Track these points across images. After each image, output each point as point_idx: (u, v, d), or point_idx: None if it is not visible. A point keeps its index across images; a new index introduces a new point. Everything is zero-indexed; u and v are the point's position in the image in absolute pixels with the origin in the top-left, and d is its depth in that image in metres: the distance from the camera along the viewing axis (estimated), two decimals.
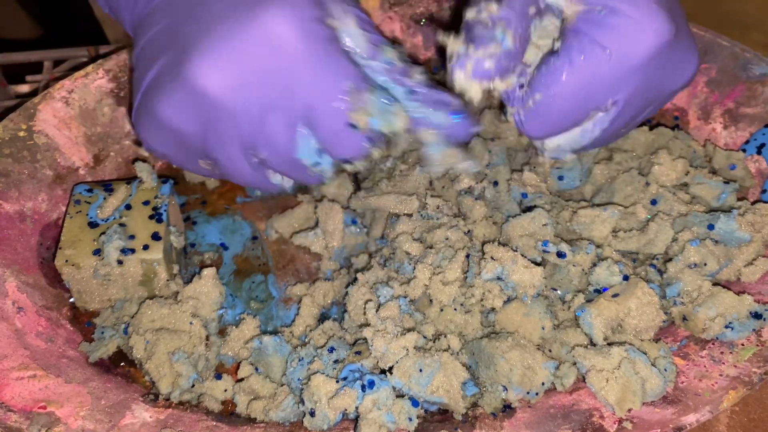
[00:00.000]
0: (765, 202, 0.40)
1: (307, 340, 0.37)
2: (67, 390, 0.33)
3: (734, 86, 0.46)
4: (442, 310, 0.36)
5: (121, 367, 0.37)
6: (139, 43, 0.35)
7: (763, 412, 0.36)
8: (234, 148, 0.33)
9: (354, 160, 0.34)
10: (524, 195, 0.41)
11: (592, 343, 0.34)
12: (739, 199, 0.42)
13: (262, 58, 0.30)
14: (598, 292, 0.36)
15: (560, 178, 0.43)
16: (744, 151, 0.44)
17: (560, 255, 0.36)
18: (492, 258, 0.35)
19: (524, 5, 0.34)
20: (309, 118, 0.32)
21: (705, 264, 0.36)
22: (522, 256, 0.35)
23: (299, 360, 0.36)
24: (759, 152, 0.44)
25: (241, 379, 0.36)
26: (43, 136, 0.43)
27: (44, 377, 0.33)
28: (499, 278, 0.35)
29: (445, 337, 0.35)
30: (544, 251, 0.36)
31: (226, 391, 0.36)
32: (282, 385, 0.35)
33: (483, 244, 0.37)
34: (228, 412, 0.35)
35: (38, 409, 0.31)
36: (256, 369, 0.36)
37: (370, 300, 0.36)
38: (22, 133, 0.42)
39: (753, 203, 0.39)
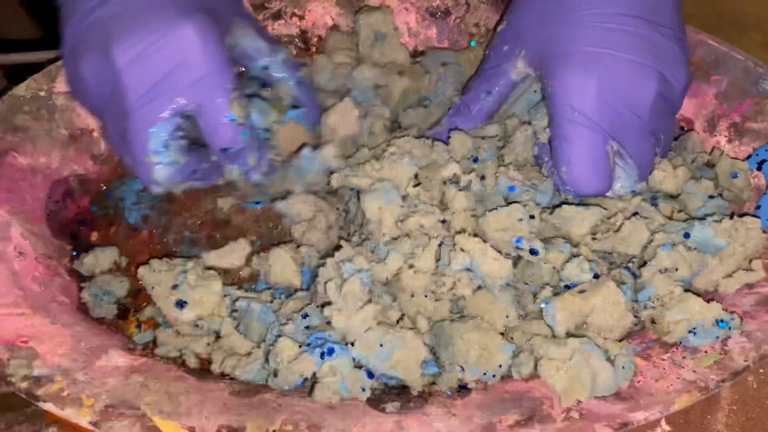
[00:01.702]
0: (756, 217, 0.40)
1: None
2: (50, 330, 0.35)
3: (743, 100, 0.46)
4: (412, 295, 0.37)
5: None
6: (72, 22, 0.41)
7: (761, 411, 0.36)
8: (114, 115, 0.39)
9: (230, 148, 0.40)
10: (512, 188, 0.41)
11: (554, 336, 0.35)
12: (733, 212, 0.42)
13: (168, 52, 0.37)
14: (568, 287, 0.37)
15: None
16: None
17: (533, 252, 0.37)
18: (462, 249, 0.36)
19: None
20: (195, 110, 0.38)
21: (676, 269, 0.36)
22: (492, 248, 0.36)
23: (278, 326, 0.37)
24: (759, 168, 0.44)
25: (220, 337, 0.38)
26: (62, 97, 0.45)
27: (32, 316, 0.36)
28: (468, 269, 0.36)
29: (412, 318, 0.36)
30: (517, 248, 0.37)
31: (208, 345, 0.37)
32: (256, 348, 0.37)
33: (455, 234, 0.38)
34: (203, 369, 0.37)
35: (20, 342, 0.34)
36: (237, 327, 0.38)
37: (331, 279, 0.37)
38: (42, 93, 0.45)
39: (741, 216, 0.39)
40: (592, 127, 0.38)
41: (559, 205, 0.40)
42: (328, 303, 0.35)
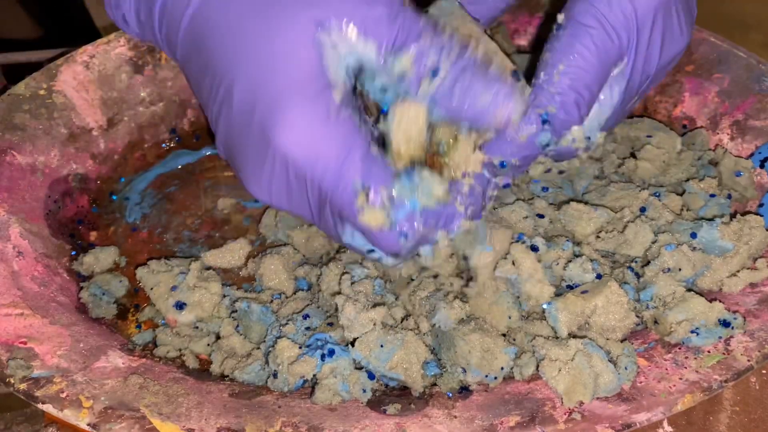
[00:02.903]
0: (759, 215, 0.40)
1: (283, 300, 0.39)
2: (49, 330, 0.35)
3: (745, 98, 0.45)
4: (414, 292, 0.37)
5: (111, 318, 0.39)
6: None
7: (764, 412, 0.36)
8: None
9: (399, 254, 0.33)
10: (545, 189, 0.41)
11: (556, 336, 0.34)
12: (736, 210, 0.42)
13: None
14: (570, 287, 0.36)
15: (544, 189, 0.43)
16: None
17: (533, 248, 0.36)
18: (513, 262, 0.36)
19: None
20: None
21: (680, 269, 0.36)
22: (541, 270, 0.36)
23: (279, 327, 0.37)
24: (762, 166, 0.43)
25: (220, 338, 0.37)
26: (61, 96, 0.45)
27: (30, 316, 0.35)
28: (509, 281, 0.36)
29: (414, 318, 0.36)
30: (522, 242, 0.37)
31: (208, 345, 0.37)
32: (256, 349, 0.37)
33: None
34: (203, 370, 0.37)
35: (19, 343, 0.34)
36: (237, 328, 0.38)
37: (346, 273, 0.37)
38: (42, 92, 0.45)
39: (743, 214, 0.38)
40: (607, 32, 0.34)
41: (567, 202, 0.40)
42: (338, 292, 0.35)
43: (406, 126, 0.32)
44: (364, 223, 0.31)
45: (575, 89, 0.34)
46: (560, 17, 0.35)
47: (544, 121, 0.35)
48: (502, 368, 0.33)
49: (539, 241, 0.37)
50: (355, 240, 0.33)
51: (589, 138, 0.36)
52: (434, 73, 0.31)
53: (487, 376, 0.33)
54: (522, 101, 0.32)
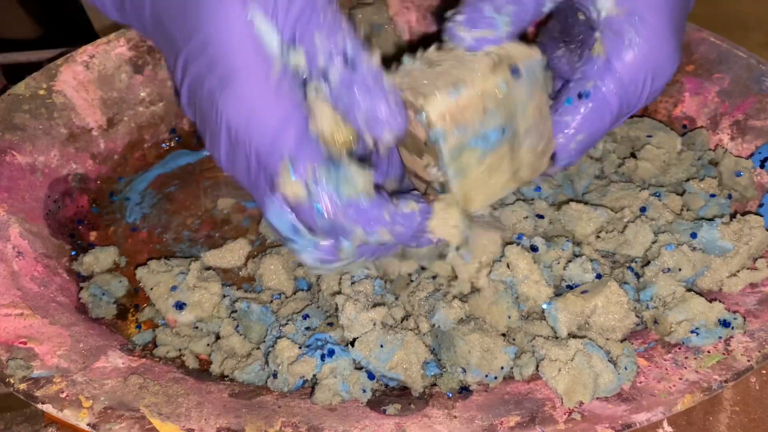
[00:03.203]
0: (759, 215, 0.40)
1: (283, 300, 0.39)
2: (49, 330, 0.35)
3: (745, 98, 0.45)
4: (413, 293, 0.37)
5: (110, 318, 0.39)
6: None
7: (764, 412, 0.36)
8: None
9: (314, 232, 0.32)
10: (537, 189, 0.41)
11: (556, 336, 0.34)
12: (736, 210, 0.42)
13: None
14: (570, 287, 0.36)
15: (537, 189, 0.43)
16: None
17: (533, 248, 0.36)
18: (508, 265, 0.36)
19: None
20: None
21: (680, 269, 0.36)
22: (538, 271, 0.36)
23: (278, 327, 0.37)
24: (762, 166, 0.43)
25: (220, 338, 0.37)
26: (61, 95, 0.45)
27: (30, 316, 0.35)
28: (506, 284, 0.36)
29: (414, 318, 0.36)
30: (518, 244, 0.37)
31: (208, 345, 0.37)
32: (256, 349, 0.37)
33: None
34: (202, 370, 0.37)
35: (19, 343, 0.34)
36: (237, 328, 0.38)
37: (346, 273, 0.37)
38: (42, 92, 0.45)
39: (743, 214, 0.38)
40: (622, 107, 0.35)
41: (566, 202, 0.40)
42: (339, 292, 0.35)
43: (320, 118, 0.32)
44: (284, 193, 0.31)
45: (579, 155, 0.36)
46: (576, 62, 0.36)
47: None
48: (502, 368, 0.33)
49: (539, 241, 0.37)
50: (281, 220, 0.32)
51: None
52: (324, 76, 0.31)
53: (487, 375, 0.33)
54: (401, 124, 0.32)
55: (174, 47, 0.34)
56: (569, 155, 0.36)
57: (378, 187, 0.32)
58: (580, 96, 0.36)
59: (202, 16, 0.32)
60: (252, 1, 0.31)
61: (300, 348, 0.34)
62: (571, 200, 0.41)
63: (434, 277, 0.38)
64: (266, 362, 0.35)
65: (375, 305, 0.35)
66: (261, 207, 0.33)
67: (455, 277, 0.37)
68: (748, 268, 0.37)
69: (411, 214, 0.32)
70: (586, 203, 0.41)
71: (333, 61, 0.31)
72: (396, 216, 0.32)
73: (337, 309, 0.35)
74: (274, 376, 0.34)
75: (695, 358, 0.33)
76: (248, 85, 0.31)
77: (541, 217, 0.39)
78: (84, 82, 0.46)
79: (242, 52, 0.31)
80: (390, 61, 0.36)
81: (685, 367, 0.33)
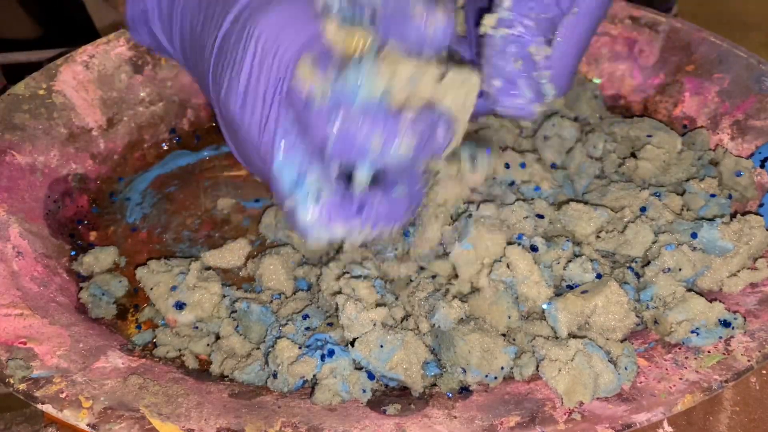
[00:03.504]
0: (759, 215, 0.40)
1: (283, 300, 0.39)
2: (49, 330, 0.35)
3: (746, 98, 0.45)
4: (413, 293, 0.37)
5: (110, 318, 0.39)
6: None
7: (764, 412, 0.36)
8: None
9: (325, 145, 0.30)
10: (537, 189, 0.41)
11: (556, 336, 0.34)
12: (736, 210, 0.42)
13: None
14: (570, 287, 0.36)
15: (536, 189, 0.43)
16: None
17: (533, 248, 0.36)
18: (508, 265, 0.36)
19: None
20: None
21: (680, 269, 0.36)
22: (538, 272, 0.36)
23: (278, 327, 0.37)
24: (762, 166, 0.43)
25: (220, 338, 0.37)
26: (61, 95, 0.45)
27: (30, 316, 0.35)
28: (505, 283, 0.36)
29: (414, 319, 0.36)
30: (518, 244, 0.37)
31: (208, 345, 0.37)
32: (256, 349, 0.37)
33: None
34: (202, 370, 0.37)
35: (18, 343, 0.34)
36: (237, 328, 0.38)
37: (346, 273, 0.37)
38: (41, 92, 0.45)
39: (743, 214, 0.38)
40: None
41: (566, 202, 0.40)
42: (339, 292, 0.35)
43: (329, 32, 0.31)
44: (300, 82, 0.30)
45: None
46: None
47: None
48: (502, 368, 0.33)
49: (539, 241, 0.37)
50: (288, 162, 0.31)
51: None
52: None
53: (487, 376, 0.33)
54: (445, 18, 0.31)
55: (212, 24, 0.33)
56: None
57: None
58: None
59: None
60: None
61: (300, 348, 0.34)
62: (571, 200, 0.41)
63: (434, 277, 0.38)
64: (266, 362, 0.35)
65: (376, 305, 0.35)
66: (269, 154, 0.32)
67: (455, 277, 0.37)
68: (748, 268, 0.37)
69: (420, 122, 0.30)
70: (586, 203, 0.41)
71: None
72: (411, 130, 0.30)
73: (337, 309, 0.35)
74: (274, 376, 0.34)
75: (695, 358, 0.33)
76: (285, 5, 0.31)
77: (541, 217, 0.39)
78: (84, 82, 0.46)
79: None
80: None
81: (686, 367, 0.33)
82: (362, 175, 0.30)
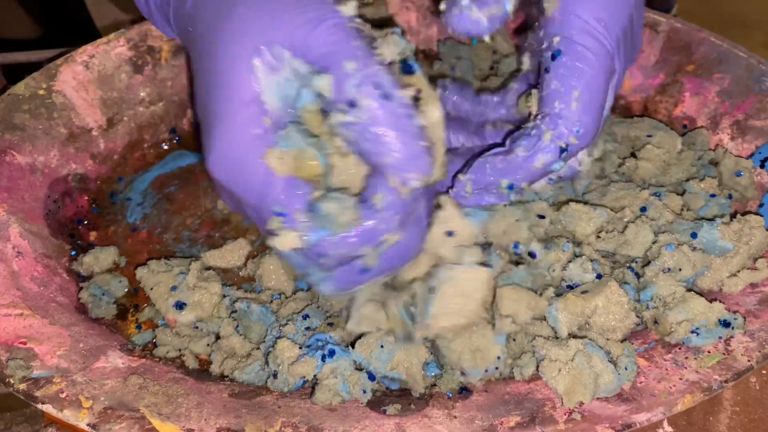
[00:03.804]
0: (759, 215, 0.40)
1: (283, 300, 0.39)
2: (49, 330, 0.35)
3: (746, 98, 0.45)
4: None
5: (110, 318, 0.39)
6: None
7: (764, 412, 0.36)
8: None
9: (328, 270, 0.33)
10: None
11: (556, 337, 0.34)
12: (736, 210, 0.42)
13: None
14: (570, 288, 0.36)
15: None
16: None
17: (531, 255, 0.36)
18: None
19: None
20: None
21: (680, 269, 0.36)
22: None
23: (278, 327, 0.37)
24: (762, 166, 0.43)
25: (220, 338, 0.37)
26: (61, 95, 0.45)
27: (30, 316, 0.35)
28: None
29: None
30: (516, 254, 0.37)
31: (208, 345, 0.37)
32: (256, 349, 0.37)
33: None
34: (202, 370, 0.37)
35: (18, 343, 0.34)
36: (237, 328, 0.38)
37: None
38: (41, 92, 0.45)
39: (743, 214, 0.38)
40: (603, 46, 0.34)
41: (566, 202, 0.40)
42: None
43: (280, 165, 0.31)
44: (276, 247, 0.31)
45: (591, 116, 0.34)
46: (540, 34, 0.36)
47: (562, 150, 0.35)
48: (498, 357, 0.33)
49: (536, 247, 0.36)
50: (290, 258, 0.33)
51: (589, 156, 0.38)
52: (351, 104, 0.30)
53: (486, 370, 0.33)
54: (429, 168, 0.30)
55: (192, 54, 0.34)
56: (579, 118, 0.34)
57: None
58: (553, 57, 0.34)
59: (213, 52, 0.32)
60: (269, 41, 0.30)
61: (300, 348, 0.34)
62: (571, 200, 0.41)
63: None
64: (266, 362, 0.35)
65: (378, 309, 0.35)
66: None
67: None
68: (748, 268, 0.37)
69: (389, 203, 0.31)
70: (586, 203, 0.41)
71: (363, 90, 0.29)
72: (385, 213, 0.31)
73: (349, 301, 0.35)
74: (274, 376, 0.34)
75: (695, 358, 0.33)
76: (234, 137, 0.31)
77: (542, 217, 0.39)
78: (84, 82, 0.46)
79: (237, 100, 0.31)
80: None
81: (686, 367, 0.33)
82: (370, 263, 0.32)
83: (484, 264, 0.34)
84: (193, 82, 0.35)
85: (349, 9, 0.31)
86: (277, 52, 0.31)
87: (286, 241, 0.31)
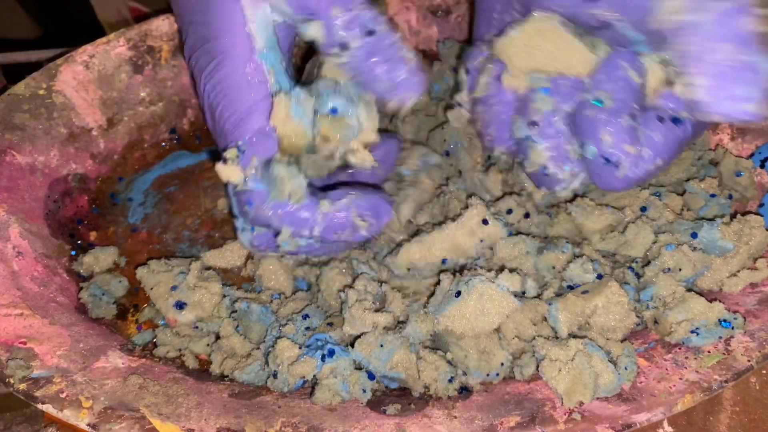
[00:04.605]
0: (759, 215, 0.40)
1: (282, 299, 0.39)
2: (49, 330, 0.35)
3: None
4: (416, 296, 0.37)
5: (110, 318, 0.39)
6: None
7: (764, 412, 0.36)
8: None
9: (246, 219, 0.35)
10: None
11: (556, 336, 0.34)
12: (736, 210, 0.42)
13: None
14: (571, 288, 0.36)
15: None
16: None
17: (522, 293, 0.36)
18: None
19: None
20: None
21: (680, 269, 0.36)
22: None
23: (278, 327, 0.37)
24: (762, 166, 0.43)
25: (220, 338, 0.37)
26: (61, 95, 0.45)
27: (30, 316, 0.35)
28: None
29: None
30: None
31: (208, 345, 0.37)
32: (256, 349, 0.37)
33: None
34: (202, 370, 0.37)
35: (18, 343, 0.34)
36: (237, 328, 0.38)
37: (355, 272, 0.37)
38: (41, 92, 0.45)
39: (743, 214, 0.38)
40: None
41: (573, 198, 0.40)
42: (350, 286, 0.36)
43: (276, 114, 0.33)
44: (218, 172, 0.33)
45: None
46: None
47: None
48: (502, 364, 0.33)
49: (530, 286, 0.36)
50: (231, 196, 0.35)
51: None
52: (342, 46, 0.33)
53: (488, 374, 0.33)
54: (420, 87, 0.35)
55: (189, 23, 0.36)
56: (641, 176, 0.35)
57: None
58: (675, 121, 0.35)
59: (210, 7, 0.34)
60: None
61: (300, 348, 0.34)
62: (578, 197, 0.41)
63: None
64: (266, 362, 0.35)
65: (380, 309, 0.35)
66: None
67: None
68: (748, 268, 0.37)
69: (337, 217, 0.34)
70: (598, 204, 0.41)
71: (352, 31, 0.33)
72: (327, 217, 0.34)
73: (342, 304, 0.35)
74: (274, 376, 0.34)
75: (695, 358, 0.33)
76: (229, 69, 0.34)
77: (527, 215, 0.39)
78: (84, 82, 0.46)
79: (230, 39, 0.33)
80: None
81: (685, 367, 0.33)
82: (284, 240, 0.35)
83: (517, 295, 0.34)
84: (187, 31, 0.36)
85: None
86: None
87: (229, 172, 0.33)
